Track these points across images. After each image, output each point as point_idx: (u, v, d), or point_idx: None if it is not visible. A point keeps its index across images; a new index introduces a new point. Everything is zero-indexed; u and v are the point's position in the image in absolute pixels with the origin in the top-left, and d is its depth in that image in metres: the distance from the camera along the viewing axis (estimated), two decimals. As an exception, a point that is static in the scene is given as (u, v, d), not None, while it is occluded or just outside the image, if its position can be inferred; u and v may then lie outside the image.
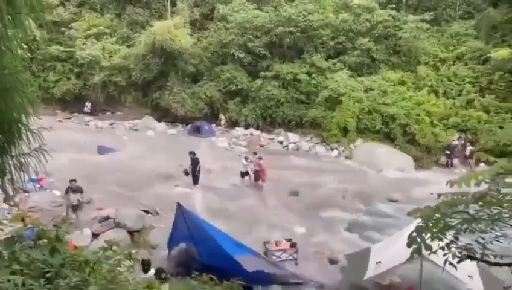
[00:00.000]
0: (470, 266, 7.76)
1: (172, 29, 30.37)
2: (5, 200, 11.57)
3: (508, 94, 25.81)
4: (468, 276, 8.54)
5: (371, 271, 9.66)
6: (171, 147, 24.20)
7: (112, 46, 33.91)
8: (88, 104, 33.76)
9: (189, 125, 30.37)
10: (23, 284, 2.84)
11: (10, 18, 2.86)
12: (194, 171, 18.05)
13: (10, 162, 3.18)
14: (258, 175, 18.50)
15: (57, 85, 33.65)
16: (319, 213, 15.86)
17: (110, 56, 33.37)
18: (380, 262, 9.70)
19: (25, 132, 3.19)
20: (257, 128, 29.92)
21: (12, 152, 3.17)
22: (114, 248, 3.38)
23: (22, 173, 3.26)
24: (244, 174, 18.89)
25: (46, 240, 3.65)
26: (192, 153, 18.21)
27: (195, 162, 18.15)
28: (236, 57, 31.11)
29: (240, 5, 32.66)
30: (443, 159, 24.89)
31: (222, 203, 16.26)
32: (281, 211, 16.10)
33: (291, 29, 29.55)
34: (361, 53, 29.62)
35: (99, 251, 3.60)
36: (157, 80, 32.19)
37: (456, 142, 24.70)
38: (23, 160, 3.28)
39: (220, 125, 30.89)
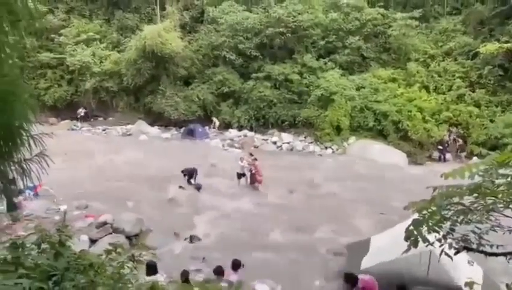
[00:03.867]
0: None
1: (163, 33, 30.38)
2: (9, 209, 11.55)
3: (498, 88, 26.19)
4: (468, 262, 8.59)
5: (370, 258, 9.63)
6: (165, 151, 24.19)
7: (102, 51, 33.83)
8: (82, 110, 33.54)
9: (183, 129, 30.36)
10: (31, 288, 2.87)
11: (9, 26, 2.90)
12: (191, 180, 18.32)
13: (12, 167, 3.21)
14: (254, 176, 18.57)
15: (48, 92, 33.46)
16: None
17: (101, 62, 33.29)
18: (378, 247, 9.75)
19: (26, 138, 3.22)
20: (250, 130, 30.00)
21: (14, 158, 3.20)
22: (118, 250, 3.43)
23: (24, 178, 3.29)
24: (240, 175, 18.95)
25: (49, 245, 3.68)
26: (184, 171, 18.41)
27: (191, 173, 18.34)
28: (227, 59, 31.18)
29: (229, 7, 32.78)
30: (436, 154, 25.16)
31: (227, 204, 16.39)
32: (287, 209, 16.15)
33: (281, 29, 29.69)
34: (351, 52, 29.85)
35: (103, 254, 3.67)
36: (149, 84, 32.16)
37: (447, 138, 25.02)
38: (25, 166, 3.31)
39: (213, 127, 30.90)
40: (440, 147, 24.76)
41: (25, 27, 3.19)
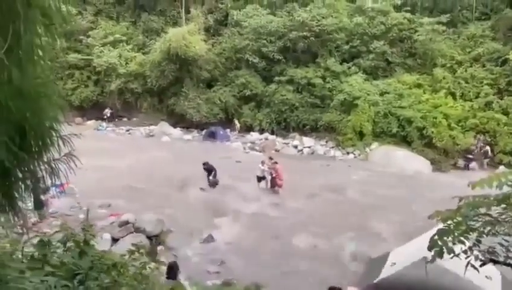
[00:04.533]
0: (489, 267, 7.58)
1: (187, 36, 30.71)
2: (36, 206, 11.82)
3: (528, 96, 25.43)
4: (486, 277, 8.35)
5: (385, 272, 9.57)
6: (187, 152, 24.41)
7: (128, 53, 34.41)
8: (108, 111, 34.13)
9: (204, 131, 30.59)
10: (56, 286, 2.94)
11: (43, 28, 2.98)
12: (210, 177, 18.53)
13: (42, 167, 3.29)
14: (274, 180, 18.52)
15: (75, 93, 34.16)
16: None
17: (127, 63, 33.87)
18: (395, 263, 9.63)
19: (56, 138, 3.29)
20: (272, 133, 29.96)
21: (44, 158, 3.28)
22: (141, 250, 3.48)
23: (53, 178, 3.37)
24: (260, 178, 18.94)
25: (74, 243, 3.77)
26: (205, 164, 18.70)
27: (210, 169, 18.52)
28: (250, 62, 31.30)
29: (253, 11, 32.91)
30: (461, 162, 24.61)
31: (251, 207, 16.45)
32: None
33: (305, 33, 29.61)
34: (376, 56, 29.51)
35: (126, 254, 3.73)
36: (172, 86, 32.56)
37: (473, 146, 24.45)
38: (54, 165, 3.39)
39: (234, 130, 31.01)
40: (468, 156, 24.20)
41: (56, 29, 3.28)
